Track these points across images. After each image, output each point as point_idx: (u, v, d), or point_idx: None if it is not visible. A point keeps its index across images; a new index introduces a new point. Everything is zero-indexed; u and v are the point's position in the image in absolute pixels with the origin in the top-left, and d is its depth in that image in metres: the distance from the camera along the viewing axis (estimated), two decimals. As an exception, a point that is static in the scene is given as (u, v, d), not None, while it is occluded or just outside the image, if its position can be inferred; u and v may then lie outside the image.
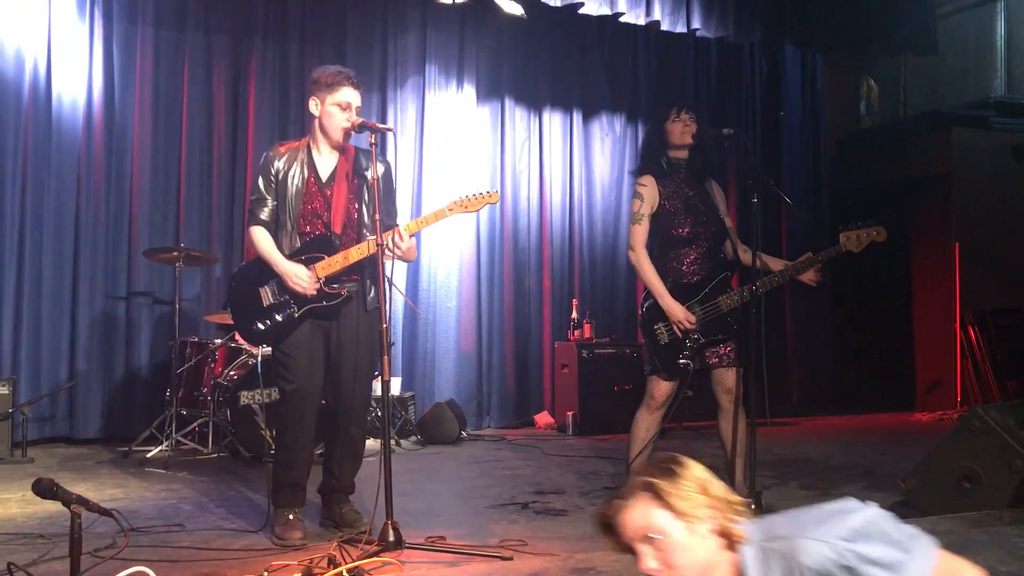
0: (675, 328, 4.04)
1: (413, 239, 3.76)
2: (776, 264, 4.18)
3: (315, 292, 3.66)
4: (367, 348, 3.79)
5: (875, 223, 4.05)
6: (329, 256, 3.69)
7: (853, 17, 7.86)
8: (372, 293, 3.78)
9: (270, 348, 3.93)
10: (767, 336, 3.89)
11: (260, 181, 3.77)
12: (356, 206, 3.79)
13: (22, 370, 6.10)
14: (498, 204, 7.57)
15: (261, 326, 3.73)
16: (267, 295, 3.73)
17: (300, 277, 3.65)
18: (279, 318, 3.71)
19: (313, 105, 3.78)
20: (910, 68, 9.96)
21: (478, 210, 3.80)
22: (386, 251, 3.64)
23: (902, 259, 8.67)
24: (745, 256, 4.22)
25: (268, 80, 6.94)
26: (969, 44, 9.62)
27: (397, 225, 3.70)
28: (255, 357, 5.50)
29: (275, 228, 3.75)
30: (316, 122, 3.80)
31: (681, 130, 4.17)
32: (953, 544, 3.03)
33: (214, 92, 6.80)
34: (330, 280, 3.70)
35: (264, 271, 3.74)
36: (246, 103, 6.88)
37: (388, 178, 3.88)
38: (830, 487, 4.73)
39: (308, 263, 3.68)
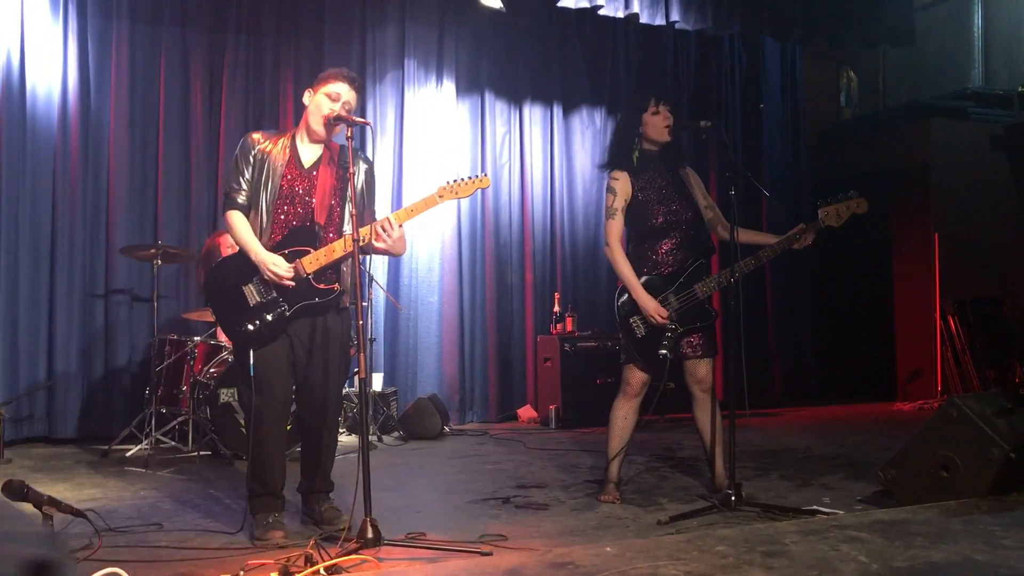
0: (649, 320, 4.05)
1: (403, 229, 3.66)
2: (761, 238, 4.16)
3: (291, 283, 3.57)
4: (338, 349, 3.73)
5: (856, 195, 4.00)
6: (315, 250, 3.62)
7: (831, 9, 7.89)
8: (342, 292, 3.72)
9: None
10: (748, 326, 3.89)
11: (238, 162, 3.69)
12: (338, 199, 3.74)
13: (-1, 370, 6.04)
14: (479, 198, 7.57)
15: (251, 327, 3.59)
16: (252, 293, 3.62)
17: (278, 267, 3.55)
18: (270, 318, 3.59)
19: (307, 96, 3.77)
20: (890, 59, 10.01)
21: (470, 195, 3.74)
22: (374, 242, 3.58)
23: (883, 249, 8.71)
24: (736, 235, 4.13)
25: (244, 74, 6.89)
26: (947, 35, 9.67)
27: (387, 217, 3.61)
28: (233, 354, 5.47)
29: (249, 212, 3.67)
30: (305, 113, 3.76)
31: (661, 123, 4.16)
32: (931, 533, 3.05)
33: (191, 86, 6.75)
34: (318, 275, 3.64)
35: (243, 267, 3.64)
36: (222, 98, 6.82)
37: (370, 176, 3.84)
38: (811, 477, 4.74)
39: (293, 257, 3.61)
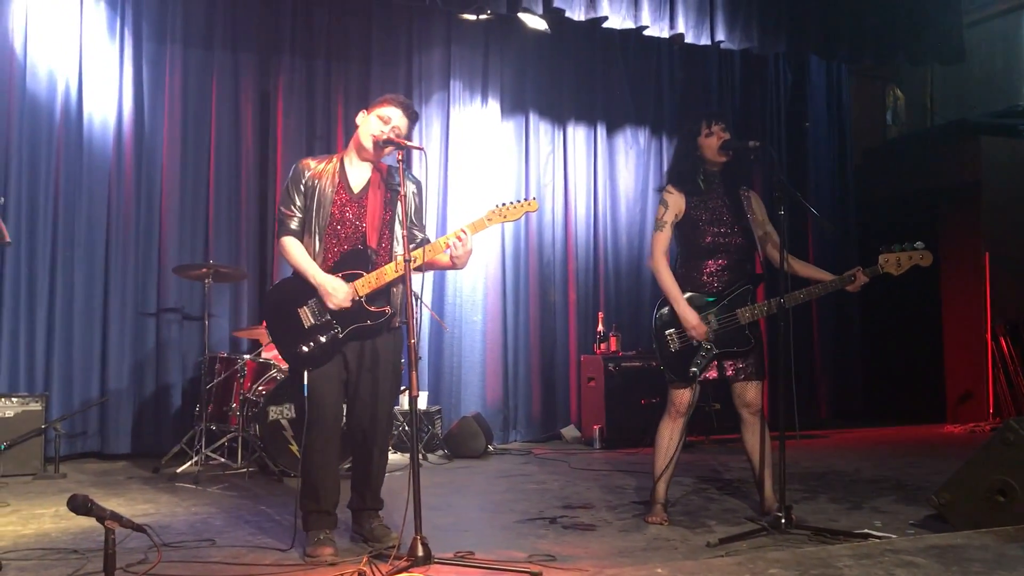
0: (687, 335, 4.03)
1: (472, 242, 3.71)
2: (815, 273, 4.13)
3: (350, 305, 3.64)
4: (390, 368, 3.78)
5: (922, 247, 3.97)
6: (367, 273, 3.67)
7: (878, 26, 7.82)
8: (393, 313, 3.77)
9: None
10: (796, 349, 3.86)
11: (290, 190, 3.77)
12: (389, 220, 3.80)
13: (54, 386, 6.18)
14: (523, 218, 7.58)
15: (305, 348, 3.66)
16: (307, 315, 3.68)
17: (337, 290, 3.63)
18: (323, 340, 3.66)
19: (360, 116, 3.84)
20: (937, 77, 9.90)
21: (518, 219, 3.78)
22: (444, 255, 3.67)
23: (932, 269, 8.55)
24: (787, 265, 4.03)
25: (295, 96, 7.01)
26: (996, 52, 9.55)
27: (462, 228, 3.67)
28: (283, 372, 5.55)
29: (303, 238, 3.75)
30: (356, 133, 3.83)
31: (715, 144, 4.15)
32: (988, 559, 3.00)
33: (242, 109, 6.89)
34: (370, 298, 3.69)
35: (300, 290, 3.71)
36: (274, 120, 6.96)
37: (419, 196, 3.90)
38: (860, 500, 4.68)
39: (347, 280, 3.67)
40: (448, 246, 3.65)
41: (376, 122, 3.75)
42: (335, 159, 3.85)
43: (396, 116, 3.77)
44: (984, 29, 9.44)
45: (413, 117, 3.87)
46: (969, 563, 2.95)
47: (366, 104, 3.93)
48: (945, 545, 3.24)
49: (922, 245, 3.98)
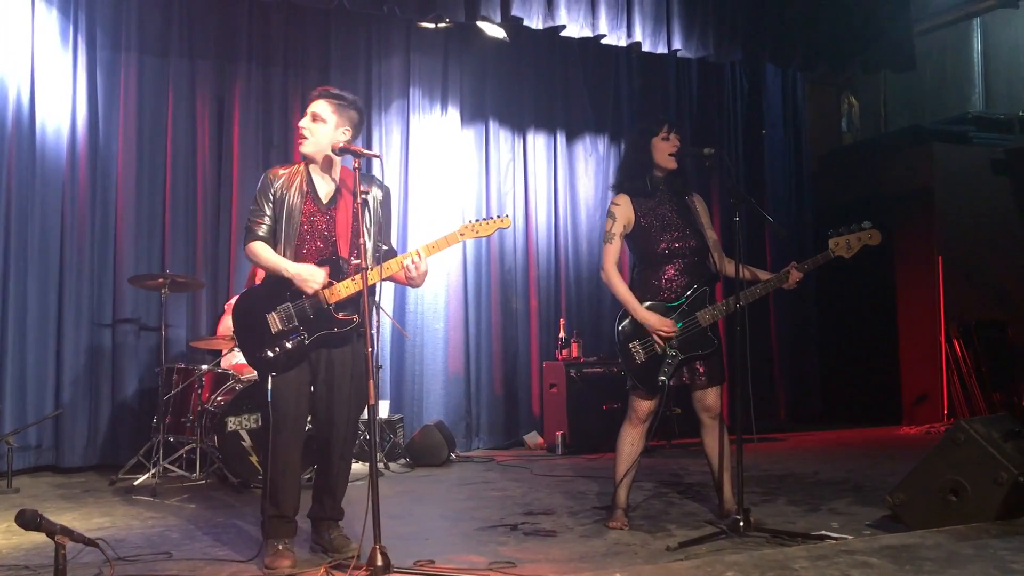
0: (654, 339, 4.06)
1: (427, 262, 3.73)
2: (760, 275, 4.19)
3: (320, 290, 3.62)
4: (355, 376, 3.75)
5: (869, 226, 3.99)
6: (338, 282, 3.66)
7: (831, 35, 7.95)
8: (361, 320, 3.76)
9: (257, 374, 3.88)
10: (753, 352, 3.90)
11: (259, 199, 3.76)
12: (358, 228, 3.78)
13: (7, 399, 6.06)
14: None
15: (271, 353, 3.65)
16: (275, 321, 3.66)
17: (314, 274, 3.62)
18: (289, 345, 3.65)
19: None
20: (890, 84, 10.09)
21: (490, 234, 3.79)
22: (399, 276, 3.68)
23: (887, 273, 8.73)
24: (730, 268, 4.22)
25: (252, 104, 6.96)
26: (947, 60, 9.75)
27: (416, 250, 3.68)
28: (242, 382, 5.49)
29: (272, 246, 3.73)
30: None
31: (669, 150, 4.19)
32: (941, 558, 3.06)
33: (198, 117, 6.82)
34: (338, 306, 3.68)
35: (270, 296, 3.70)
36: (230, 128, 6.89)
37: (387, 203, 3.90)
38: (818, 502, 4.74)
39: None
40: (404, 267, 3.66)
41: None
42: (301, 167, 3.83)
43: (314, 105, 3.76)
44: (935, 38, 9.63)
45: (328, 97, 3.81)
46: (922, 562, 3.01)
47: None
48: (899, 545, 3.29)
49: (869, 224, 4.01)
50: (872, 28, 8.06)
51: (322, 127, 3.75)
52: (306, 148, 3.77)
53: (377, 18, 7.22)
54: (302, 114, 3.85)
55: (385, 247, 3.83)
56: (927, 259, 8.41)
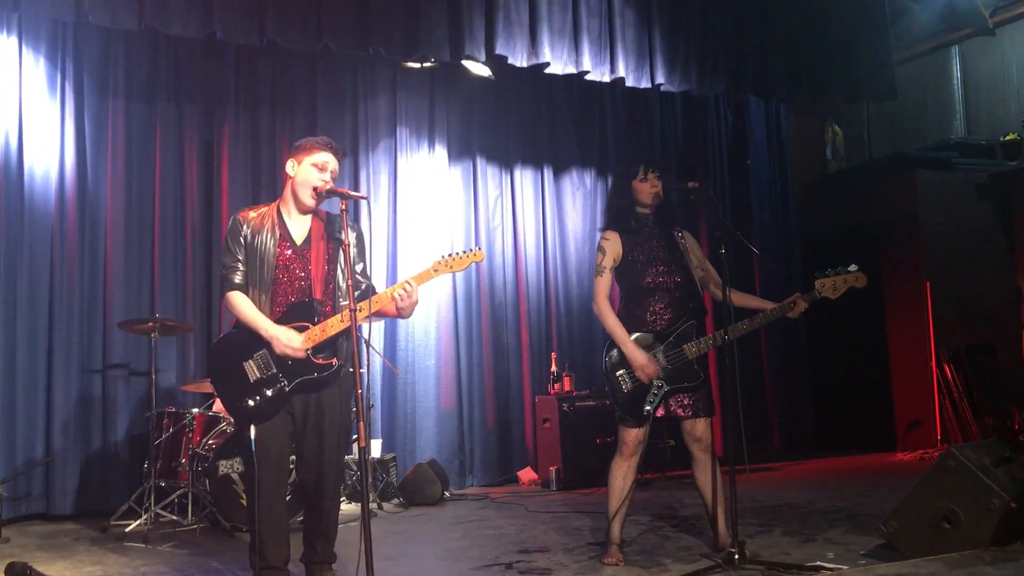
0: (638, 375, 4.08)
1: (418, 292, 3.71)
2: (756, 303, 4.23)
3: (304, 355, 3.61)
4: (339, 419, 3.74)
5: (855, 269, 4.06)
6: (313, 325, 3.64)
7: (813, 66, 8.06)
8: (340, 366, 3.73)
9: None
10: (746, 382, 3.92)
11: (230, 244, 3.73)
12: (332, 271, 3.78)
13: (-4, 448, 6.02)
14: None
15: (251, 403, 3.61)
16: (252, 369, 3.63)
17: (292, 340, 3.58)
18: (269, 393, 3.61)
19: (290, 166, 3.79)
20: (873, 112, 10.20)
21: (464, 269, 3.80)
22: (388, 309, 3.67)
23: (875, 300, 8.77)
24: (732, 297, 4.15)
25: (240, 146, 6.99)
26: (928, 87, 9.87)
27: (408, 280, 3.68)
28: (233, 425, 5.47)
29: (248, 292, 3.70)
30: (290, 184, 3.79)
31: (649, 190, 4.26)
32: (934, 587, 3.05)
33: (186, 160, 6.84)
34: (316, 350, 3.65)
35: (246, 343, 3.66)
36: (219, 171, 6.92)
37: (361, 243, 3.90)
38: (813, 532, 4.73)
39: None
40: (394, 298, 3.66)
41: (313, 171, 3.73)
42: (271, 209, 3.83)
43: (330, 160, 3.76)
44: (915, 66, 9.76)
45: (342, 156, 3.86)
46: (916, 592, 3.00)
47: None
48: (893, 574, 3.28)
49: (855, 268, 4.08)
50: (851, 59, 8.18)
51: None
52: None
53: (363, 59, 7.29)
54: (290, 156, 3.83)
55: (365, 283, 3.82)
56: (915, 285, 8.45)
